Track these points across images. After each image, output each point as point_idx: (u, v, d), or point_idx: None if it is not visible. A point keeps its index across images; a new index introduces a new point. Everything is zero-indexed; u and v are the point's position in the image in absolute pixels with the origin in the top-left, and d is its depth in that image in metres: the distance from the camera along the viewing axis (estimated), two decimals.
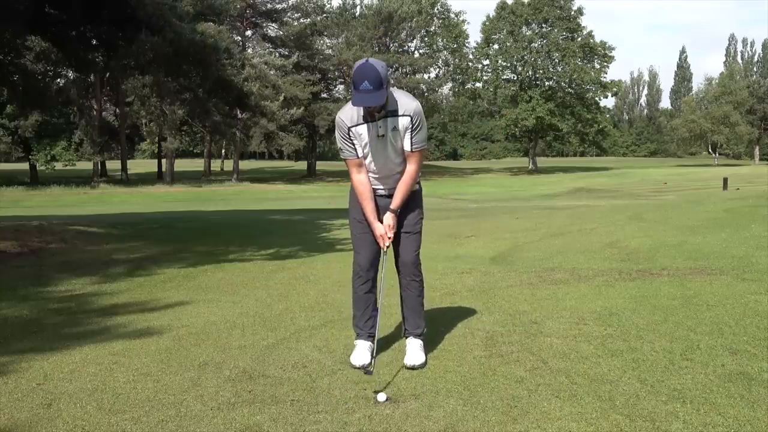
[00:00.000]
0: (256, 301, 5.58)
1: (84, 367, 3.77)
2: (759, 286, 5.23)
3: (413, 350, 3.72)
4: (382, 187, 3.75)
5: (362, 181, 3.68)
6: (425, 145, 3.67)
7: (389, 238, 3.65)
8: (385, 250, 3.68)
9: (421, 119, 3.56)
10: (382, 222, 3.68)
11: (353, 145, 3.61)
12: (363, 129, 3.57)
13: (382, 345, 3.96)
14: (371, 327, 3.76)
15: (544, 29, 64.53)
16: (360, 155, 3.63)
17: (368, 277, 3.79)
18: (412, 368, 3.59)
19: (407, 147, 3.59)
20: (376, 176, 3.72)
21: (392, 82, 3.71)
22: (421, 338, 3.81)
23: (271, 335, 4.39)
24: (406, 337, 3.85)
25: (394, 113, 3.53)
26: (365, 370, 3.44)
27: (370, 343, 3.77)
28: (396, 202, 3.66)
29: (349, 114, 3.57)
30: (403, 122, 3.53)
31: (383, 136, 3.56)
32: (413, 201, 3.78)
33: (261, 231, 12.43)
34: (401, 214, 3.72)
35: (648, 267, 6.38)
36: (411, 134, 3.56)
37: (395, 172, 3.69)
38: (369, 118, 3.53)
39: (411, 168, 3.65)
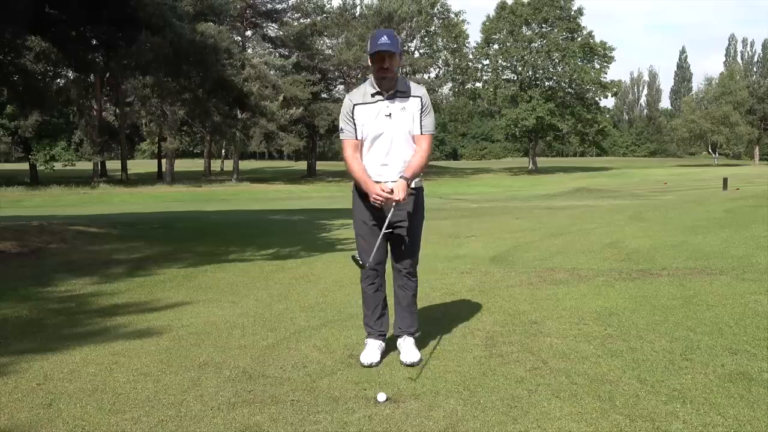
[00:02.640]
0: (256, 301, 5.58)
1: (84, 367, 3.77)
2: (759, 286, 5.23)
3: (409, 348, 3.73)
4: (384, 174, 3.64)
5: (357, 158, 3.68)
6: (434, 132, 3.73)
7: (395, 199, 3.50)
8: (378, 204, 3.54)
9: (429, 104, 3.67)
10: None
11: (354, 125, 3.64)
12: (370, 108, 3.61)
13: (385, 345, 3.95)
14: (382, 325, 3.76)
15: (544, 29, 64.50)
16: (359, 137, 3.65)
17: (375, 276, 3.79)
18: (411, 365, 3.59)
19: (416, 130, 3.63)
20: (379, 161, 3.65)
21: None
22: (413, 336, 3.82)
23: (271, 335, 4.38)
24: (399, 336, 3.84)
25: (405, 93, 3.61)
26: (363, 262, 3.58)
27: (381, 341, 3.77)
28: (409, 171, 3.61)
29: (358, 93, 3.65)
30: (414, 103, 3.62)
31: (389, 115, 3.60)
32: (416, 200, 3.77)
33: (261, 231, 12.43)
34: (403, 212, 3.69)
35: (648, 267, 6.38)
36: (420, 116, 3.62)
37: (399, 158, 3.63)
38: (378, 96, 3.59)
39: (422, 147, 3.67)
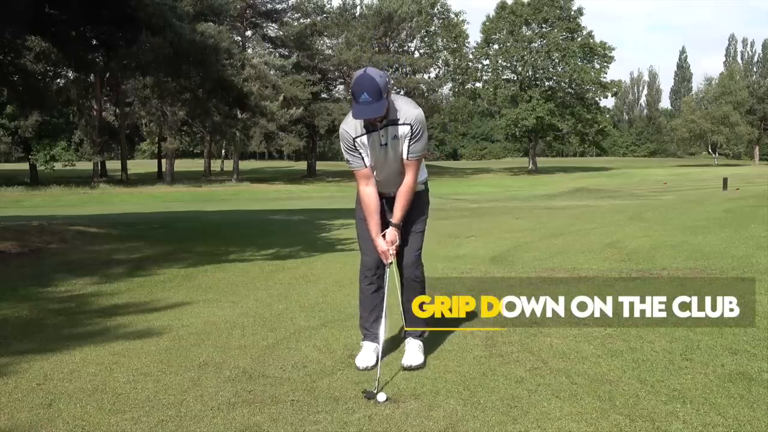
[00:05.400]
0: (256, 301, 5.58)
1: (84, 367, 3.77)
2: (759, 286, 5.22)
3: (412, 351, 3.70)
4: (387, 190, 3.73)
5: (369, 193, 3.65)
6: (421, 155, 3.62)
7: (392, 254, 3.61)
8: (387, 264, 3.63)
9: (421, 127, 3.54)
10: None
11: (360, 155, 3.59)
12: (366, 138, 3.56)
13: (384, 346, 3.94)
14: (378, 328, 3.72)
15: (544, 29, 64.48)
16: (367, 165, 3.61)
17: (375, 277, 3.76)
18: (409, 369, 3.57)
19: (404, 155, 3.58)
20: (381, 183, 3.70)
21: (392, 88, 3.62)
22: (420, 339, 3.79)
23: (271, 335, 4.38)
24: (406, 338, 3.82)
25: (395, 122, 3.52)
26: (367, 394, 3.21)
27: (376, 344, 3.72)
28: (397, 215, 3.63)
29: (352, 125, 3.55)
30: (403, 130, 3.53)
31: (385, 145, 3.55)
32: (418, 202, 3.75)
33: (261, 231, 12.43)
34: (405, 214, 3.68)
35: (648, 267, 6.38)
36: (409, 142, 3.54)
37: (399, 181, 3.66)
38: (371, 127, 3.52)
39: (407, 179, 3.61)
